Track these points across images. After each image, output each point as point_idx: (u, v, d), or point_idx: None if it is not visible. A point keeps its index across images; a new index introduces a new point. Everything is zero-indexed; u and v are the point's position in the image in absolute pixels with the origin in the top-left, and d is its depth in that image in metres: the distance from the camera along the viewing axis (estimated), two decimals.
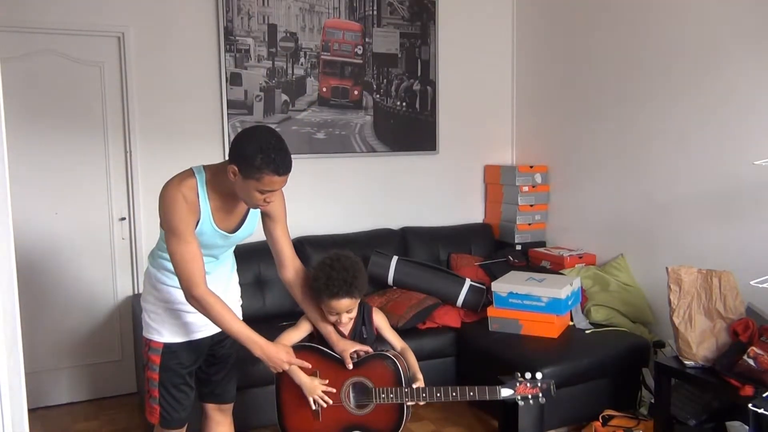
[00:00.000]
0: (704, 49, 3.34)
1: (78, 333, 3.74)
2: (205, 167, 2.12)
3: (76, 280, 3.70)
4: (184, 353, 2.24)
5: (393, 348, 2.37)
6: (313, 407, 2.26)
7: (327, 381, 2.27)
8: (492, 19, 4.68)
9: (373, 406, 2.22)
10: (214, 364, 2.36)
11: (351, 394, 2.27)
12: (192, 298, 2.05)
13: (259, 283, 3.79)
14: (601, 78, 4.02)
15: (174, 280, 2.14)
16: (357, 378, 2.26)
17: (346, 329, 2.34)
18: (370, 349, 2.28)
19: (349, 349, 2.26)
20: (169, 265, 2.14)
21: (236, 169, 1.97)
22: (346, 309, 2.25)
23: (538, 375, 2.16)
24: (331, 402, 2.25)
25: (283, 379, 2.31)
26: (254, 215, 2.25)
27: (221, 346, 2.34)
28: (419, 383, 2.20)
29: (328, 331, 2.31)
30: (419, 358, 3.53)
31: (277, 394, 2.35)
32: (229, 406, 2.45)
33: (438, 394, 2.17)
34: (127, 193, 3.76)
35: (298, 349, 2.31)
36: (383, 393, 2.19)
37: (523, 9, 4.66)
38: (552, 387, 2.16)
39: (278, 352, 2.16)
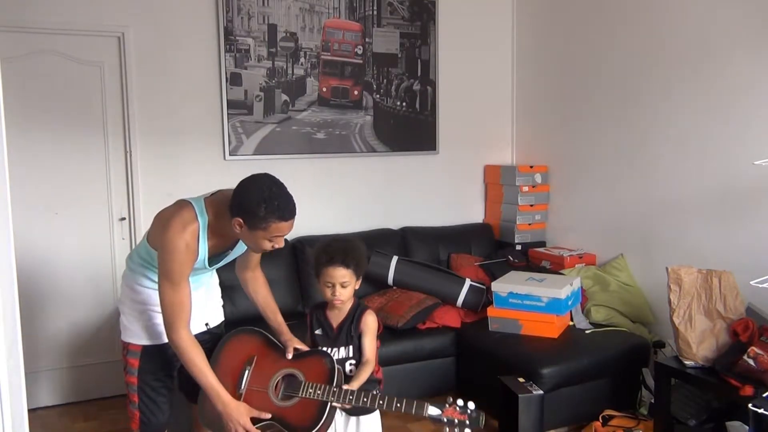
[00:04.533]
0: (704, 50, 3.34)
1: (78, 333, 3.74)
2: (207, 205, 2.09)
3: (76, 280, 3.70)
4: (163, 355, 2.23)
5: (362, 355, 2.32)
6: None
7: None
8: (492, 19, 4.68)
9: (297, 400, 2.16)
10: None
11: (279, 384, 2.22)
12: (171, 340, 2.08)
13: None
14: (601, 78, 4.02)
15: (152, 283, 2.17)
16: (291, 370, 2.23)
17: (336, 320, 2.32)
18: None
19: (295, 341, 2.27)
20: (148, 270, 2.17)
21: (241, 221, 1.99)
22: (341, 280, 2.23)
23: (471, 405, 2.09)
24: None
25: (218, 356, 2.27)
26: (241, 246, 2.26)
27: (203, 346, 2.30)
28: (349, 387, 2.16)
29: (280, 322, 2.35)
30: (419, 358, 3.58)
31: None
32: None
33: (365, 399, 2.11)
34: (127, 193, 3.76)
35: (242, 332, 2.30)
36: (311, 388, 2.14)
37: (523, 9, 4.66)
38: (481, 418, 2.08)
39: (239, 415, 2.09)
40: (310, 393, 2.14)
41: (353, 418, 2.34)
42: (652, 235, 3.72)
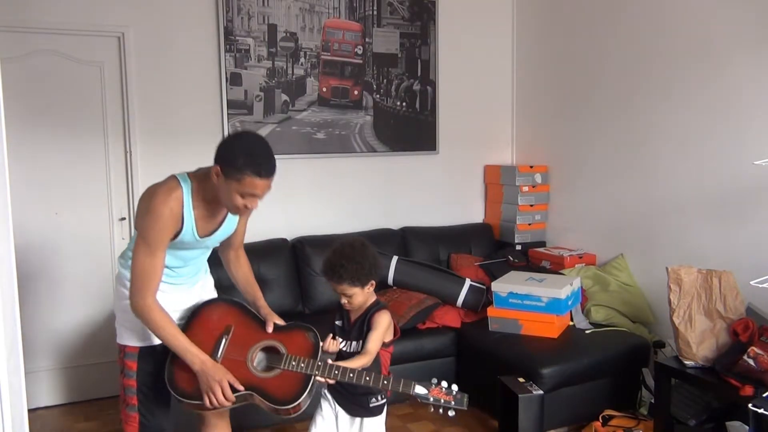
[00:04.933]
0: (705, 50, 3.34)
1: (78, 333, 3.74)
2: (190, 175, 2.10)
3: (76, 280, 3.70)
4: (161, 356, 2.18)
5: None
6: (207, 403, 2.09)
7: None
8: (492, 19, 4.68)
9: (277, 372, 2.11)
10: None
11: (258, 355, 2.18)
12: (137, 306, 2.03)
13: (258, 283, 3.78)
14: (601, 78, 4.02)
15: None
16: (271, 342, 2.19)
17: (355, 315, 2.34)
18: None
19: (275, 316, 2.24)
20: None
21: (219, 169, 1.97)
22: (341, 292, 2.27)
23: (455, 387, 2.11)
24: (226, 403, 2.07)
25: (192, 323, 2.22)
26: (231, 219, 2.23)
27: None
28: (334, 363, 2.13)
29: (258, 296, 2.34)
30: (419, 358, 3.58)
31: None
32: (227, 411, 2.39)
33: (350, 375, 2.08)
34: (127, 193, 3.76)
35: (219, 301, 2.28)
36: (294, 360, 2.09)
37: (523, 9, 4.66)
38: (465, 400, 2.10)
39: (218, 371, 2.05)
40: (293, 366, 2.09)
41: (357, 420, 2.34)
42: (652, 235, 3.72)
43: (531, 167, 4.48)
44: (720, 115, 3.28)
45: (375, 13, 4.30)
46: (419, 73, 4.48)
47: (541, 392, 2.99)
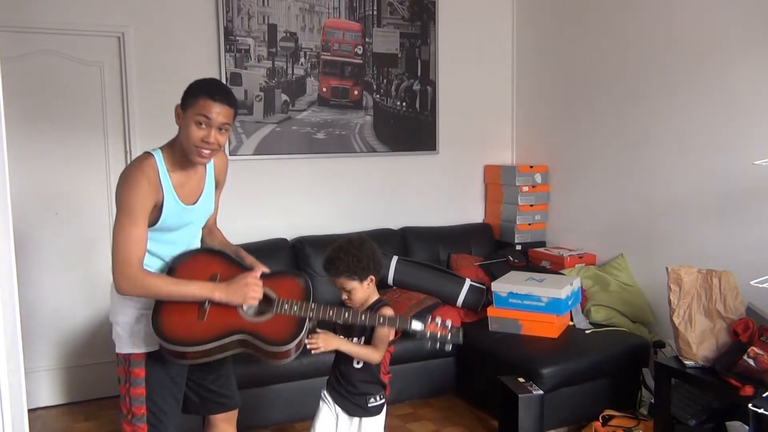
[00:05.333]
0: (704, 50, 3.34)
1: (78, 333, 3.74)
2: (161, 148, 2.12)
3: (75, 280, 3.70)
4: (167, 362, 2.11)
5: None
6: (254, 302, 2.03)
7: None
8: (492, 19, 4.68)
9: (269, 316, 2.06)
10: (208, 372, 2.24)
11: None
12: (124, 277, 1.93)
13: None
14: (601, 78, 4.02)
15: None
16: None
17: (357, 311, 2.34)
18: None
19: (262, 265, 2.18)
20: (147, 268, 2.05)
21: (178, 107, 2.05)
22: (340, 287, 2.31)
23: (449, 322, 2.13)
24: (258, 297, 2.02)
25: (174, 275, 2.09)
26: (210, 187, 2.21)
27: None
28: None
29: (239, 249, 2.30)
30: (419, 358, 3.58)
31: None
32: (236, 413, 2.36)
33: (346, 316, 2.09)
34: None
35: (200, 251, 2.21)
36: (286, 304, 2.06)
37: (523, 9, 4.66)
38: (460, 334, 2.11)
39: (237, 281, 2.00)
40: (286, 309, 2.06)
41: (356, 419, 2.34)
42: (652, 235, 3.72)
43: (531, 167, 4.48)
44: (720, 116, 3.28)
45: (375, 13, 4.30)
46: (419, 73, 4.48)
47: (541, 392, 2.99)
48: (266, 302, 2.09)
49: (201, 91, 2.01)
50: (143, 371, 2.09)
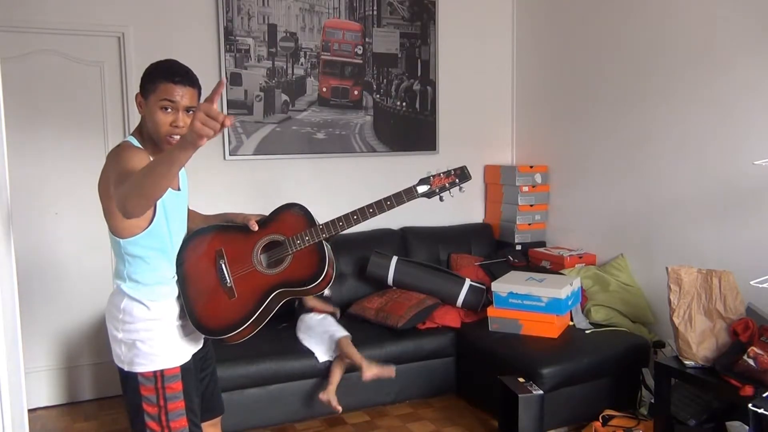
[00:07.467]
0: (705, 50, 3.34)
1: (78, 333, 3.74)
2: (132, 135, 2.06)
3: (75, 280, 3.70)
4: (193, 371, 2.05)
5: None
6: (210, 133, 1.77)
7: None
8: (492, 19, 4.68)
9: (289, 259, 2.07)
10: (202, 379, 2.17)
11: (262, 257, 2.12)
12: (123, 196, 1.77)
13: None
14: (601, 78, 4.02)
15: (171, 288, 1.99)
16: (266, 237, 2.12)
17: None
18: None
19: (251, 216, 2.16)
20: (155, 276, 1.97)
21: (139, 96, 1.95)
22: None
23: (451, 170, 2.14)
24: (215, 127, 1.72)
25: (184, 275, 2.07)
26: (182, 171, 2.15)
27: (207, 357, 2.20)
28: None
29: (223, 213, 2.25)
30: (419, 358, 3.58)
31: (183, 293, 2.06)
32: (221, 418, 2.32)
33: (355, 217, 2.13)
34: None
35: (194, 236, 2.13)
36: (297, 239, 2.07)
37: (523, 9, 4.66)
38: (466, 170, 2.12)
39: (197, 114, 1.68)
40: (299, 244, 2.07)
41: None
42: (652, 235, 3.72)
43: (531, 167, 4.48)
44: (720, 115, 3.28)
45: (375, 13, 4.30)
46: (419, 73, 4.48)
47: (541, 392, 2.99)
48: (279, 247, 2.10)
49: (159, 75, 1.91)
50: (180, 384, 1.97)
